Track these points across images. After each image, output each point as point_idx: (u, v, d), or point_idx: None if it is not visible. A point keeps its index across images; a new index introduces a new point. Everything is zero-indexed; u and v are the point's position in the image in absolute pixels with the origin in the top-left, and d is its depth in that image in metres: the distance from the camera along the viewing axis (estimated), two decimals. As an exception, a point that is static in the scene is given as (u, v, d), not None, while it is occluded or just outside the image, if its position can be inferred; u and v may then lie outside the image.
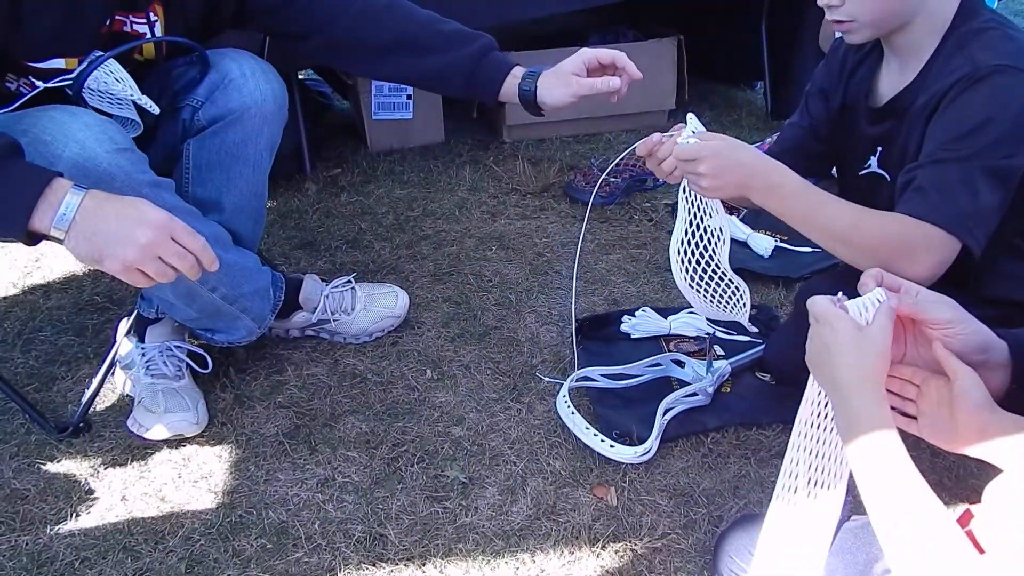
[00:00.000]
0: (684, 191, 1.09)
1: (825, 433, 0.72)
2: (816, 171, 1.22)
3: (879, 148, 1.08)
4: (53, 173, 0.88)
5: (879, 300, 0.72)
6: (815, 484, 0.71)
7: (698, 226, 1.09)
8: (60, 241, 0.89)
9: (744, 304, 1.16)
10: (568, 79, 1.14)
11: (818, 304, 0.74)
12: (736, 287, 1.14)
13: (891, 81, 1.06)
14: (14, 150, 0.89)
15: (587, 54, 1.15)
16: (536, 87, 1.16)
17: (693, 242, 1.09)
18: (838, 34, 1.09)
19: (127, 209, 0.90)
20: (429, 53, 1.20)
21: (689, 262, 1.10)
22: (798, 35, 2.32)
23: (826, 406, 0.73)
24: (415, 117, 2.29)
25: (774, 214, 1.00)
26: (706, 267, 1.10)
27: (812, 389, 0.75)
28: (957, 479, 1.14)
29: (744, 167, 0.99)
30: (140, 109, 1.11)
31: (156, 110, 1.10)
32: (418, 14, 1.24)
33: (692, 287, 1.13)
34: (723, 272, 1.11)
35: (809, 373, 0.76)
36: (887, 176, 1.07)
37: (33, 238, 0.89)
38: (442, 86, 1.27)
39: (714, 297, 1.14)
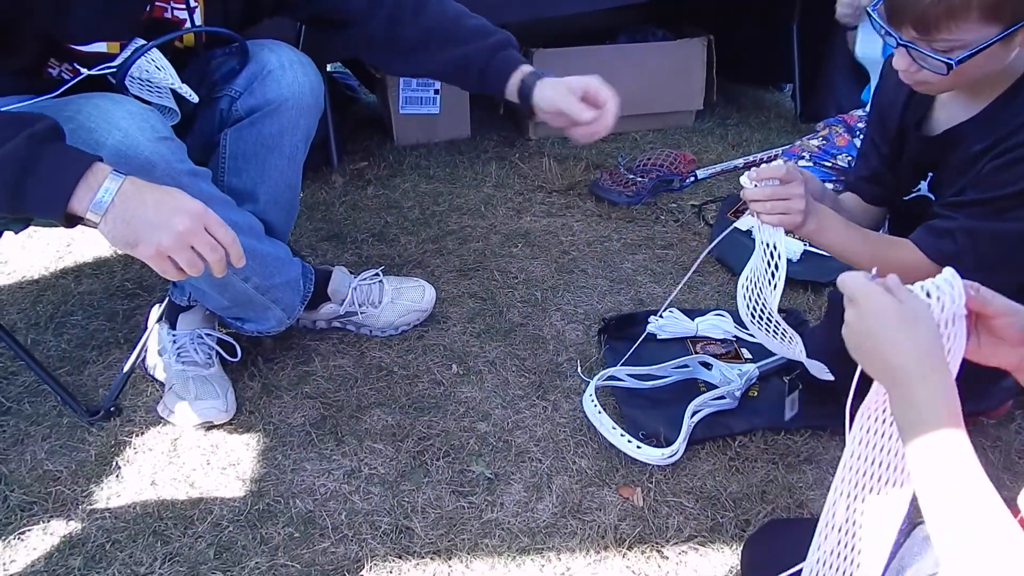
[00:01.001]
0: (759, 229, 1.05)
1: (885, 435, 0.67)
2: (886, 199, 1.19)
3: (930, 174, 1.08)
4: (93, 157, 0.89)
5: (950, 282, 0.65)
6: (874, 490, 0.66)
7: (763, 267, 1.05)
8: (95, 225, 0.90)
9: (796, 346, 1.11)
10: (562, 91, 1.16)
11: (851, 281, 0.66)
12: (784, 330, 1.07)
13: (950, 112, 1.04)
14: (56, 134, 0.90)
15: (591, 82, 1.18)
16: (535, 86, 1.18)
17: (754, 281, 1.06)
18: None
19: (165, 197, 0.91)
20: (454, 46, 1.21)
21: (749, 300, 1.07)
22: (830, 38, 2.29)
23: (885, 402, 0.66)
24: (441, 112, 2.29)
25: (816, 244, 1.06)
26: (762, 309, 1.06)
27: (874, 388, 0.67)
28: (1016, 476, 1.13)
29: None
30: (178, 98, 1.12)
31: (195, 99, 1.11)
32: (449, 8, 1.25)
33: (753, 322, 1.09)
34: (769, 315, 1.06)
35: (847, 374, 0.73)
36: (933, 199, 1.07)
37: (71, 221, 0.91)
38: (459, 79, 1.27)
39: (771, 334, 1.10)
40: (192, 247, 0.90)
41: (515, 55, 1.23)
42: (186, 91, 1.10)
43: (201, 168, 1.09)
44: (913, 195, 1.10)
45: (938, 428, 0.59)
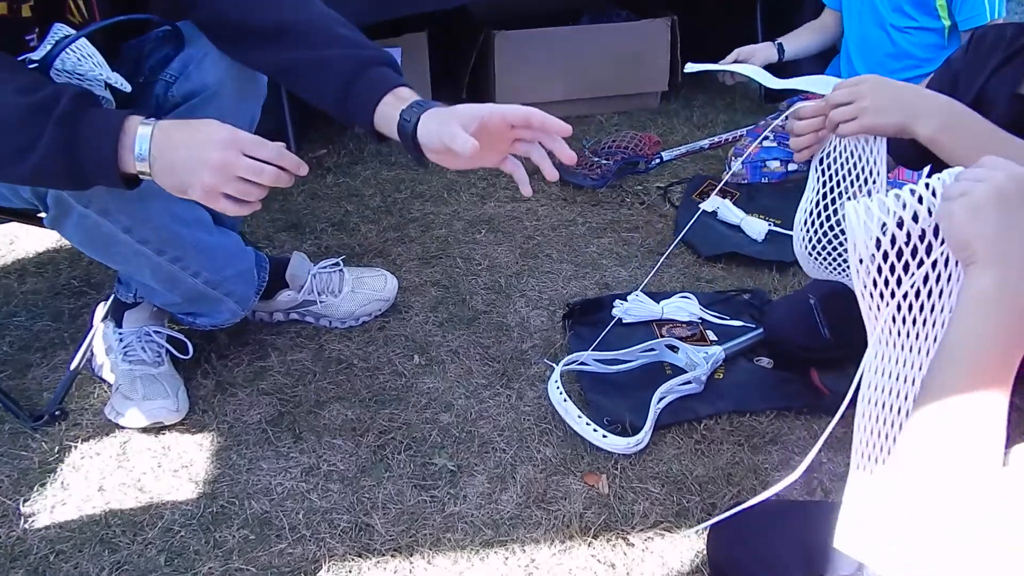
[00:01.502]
0: (820, 161, 1.05)
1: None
2: (917, 161, 1.13)
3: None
4: (123, 114, 0.86)
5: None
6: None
7: (830, 195, 1.05)
8: (151, 177, 0.88)
9: None
10: (450, 122, 0.88)
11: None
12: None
13: None
14: (78, 103, 0.86)
15: (493, 110, 0.91)
16: (418, 121, 0.91)
17: (822, 212, 1.05)
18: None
19: (193, 134, 0.87)
20: (315, 47, 1.01)
21: (816, 231, 1.06)
22: (793, 19, 2.28)
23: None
24: (403, 97, 2.23)
25: (939, 150, 0.91)
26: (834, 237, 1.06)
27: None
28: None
29: (914, 92, 0.95)
30: (112, 86, 1.06)
31: (127, 88, 1.05)
32: (315, 7, 1.06)
33: (812, 256, 1.09)
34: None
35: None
36: None
37: (131, 181, 0.88)
38: (318, 90, 1.03)
39: (835, 265, 1.10)
40: (238, 176, 0.85)
41: (392, 75, 0.99)
42: (117, 80, 1.04)
43: None
44: None
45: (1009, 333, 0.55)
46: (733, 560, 0.93)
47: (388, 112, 0.95)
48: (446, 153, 0.90)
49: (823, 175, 1.06)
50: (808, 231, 1.08)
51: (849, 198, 1.03)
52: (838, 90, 0.98)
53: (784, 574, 0.84)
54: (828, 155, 1.05)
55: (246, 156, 0.86)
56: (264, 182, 0.87)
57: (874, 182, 1.01)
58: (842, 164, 1.03)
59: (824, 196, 1.06)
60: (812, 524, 0.82)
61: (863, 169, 1.00)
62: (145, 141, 0.86)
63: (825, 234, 1.07)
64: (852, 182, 1.02)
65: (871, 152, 0.99)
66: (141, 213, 1.04)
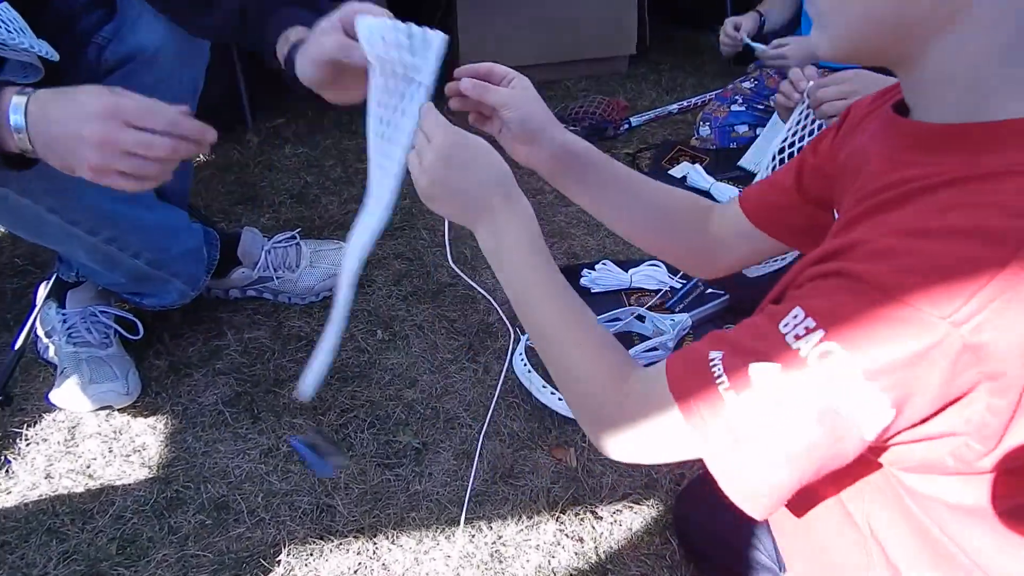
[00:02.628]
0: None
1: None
2: None
3: None
4: None
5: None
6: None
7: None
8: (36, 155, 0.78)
9: None
10: (320, 40, 0.79)
11: (429, 117, 0.70)
12: None
13: None
14: None
15: (346, 10, 0.78)
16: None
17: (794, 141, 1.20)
18: None
19: (68, 105, 0.76)
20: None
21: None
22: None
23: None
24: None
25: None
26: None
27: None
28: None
29: (887, 80, 1.04)
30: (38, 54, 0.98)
31: (55, 56, 0.97)
32: None
33: None
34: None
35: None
36: None
37: (23, 162, 0.79)
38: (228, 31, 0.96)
39: None
40: (126, 151, 0.75)
41: (294, 13, 0.90)
42: (44, 49, 0.96)
43: None
44: None
45: (523, 253, 0.66)
46: (691, 520, 0.94)
47: (284, 48, 0.88)
48: (313, 82, 0.82)
49: (797, 125, 1.18)
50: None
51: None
52: (828, 87, 1.12)
53: (739, 531, 0.86)
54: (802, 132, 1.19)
55: (133, 127, 0.75)
56: (157, 156, 0.76)
57: None
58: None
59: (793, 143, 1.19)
60: None
61: None
62: (19, 113, 0.75)
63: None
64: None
65: None
66: (67, 191, 0.97)
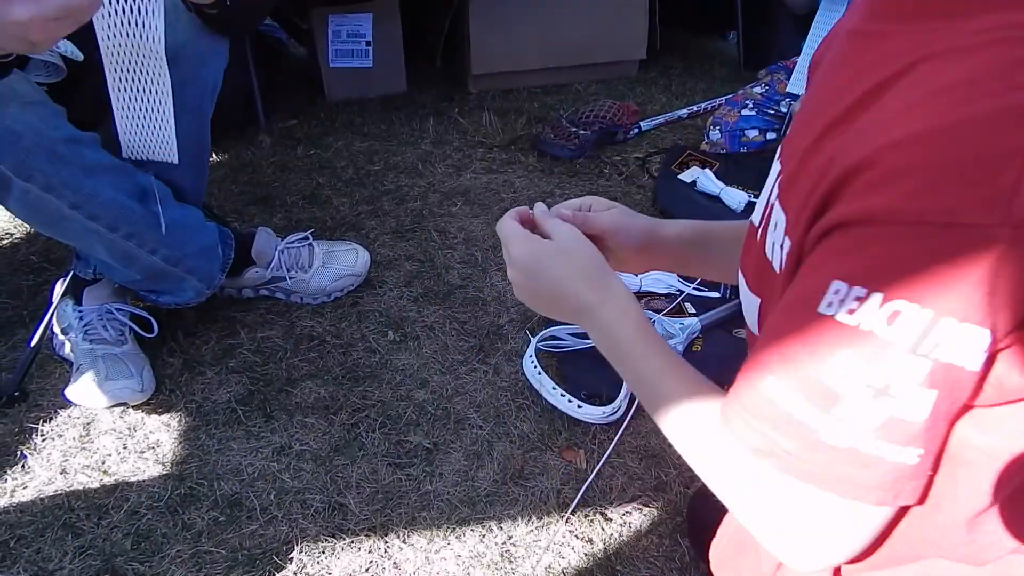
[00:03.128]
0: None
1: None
2: None
3: None
4: None
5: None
6: None
7: None
8: None
9: None
10: None
11: (505, 227, 0.66)
12: None
13: None
14: None
15: None
16: None
17: None
18: None
19: None
20: None
21: None
22: (772, -18, 2.24)
23: None
24: (375, 66, 2.17)
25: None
26: None
27: None
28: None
29: None
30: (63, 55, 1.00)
31: (79, 56, 0.99)
32: None
33: None
34: None
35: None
36: None
37: None
38: None
39: None
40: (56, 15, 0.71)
41: None
42: (69, 49, 0.98)
43: (85, 134, 0.98)
44: None
45: (633, 342, 0.62)
46: (705, 520, 0.94)
47: None
48: None
49: None
50: None
51: None
52: None
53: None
54: None
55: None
56: (67, 24, 0.73)
57: None
58: None
59: None
60: None
61: None
62: None
63: None
64: None
65: None
66: (87, 187, 0.98)
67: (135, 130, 1.00)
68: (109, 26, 0.88)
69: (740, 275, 0.63)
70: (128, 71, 0.94)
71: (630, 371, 0.63)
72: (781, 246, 0.51)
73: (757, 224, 0.59)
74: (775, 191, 0.55)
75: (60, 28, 0.74)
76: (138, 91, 0.96)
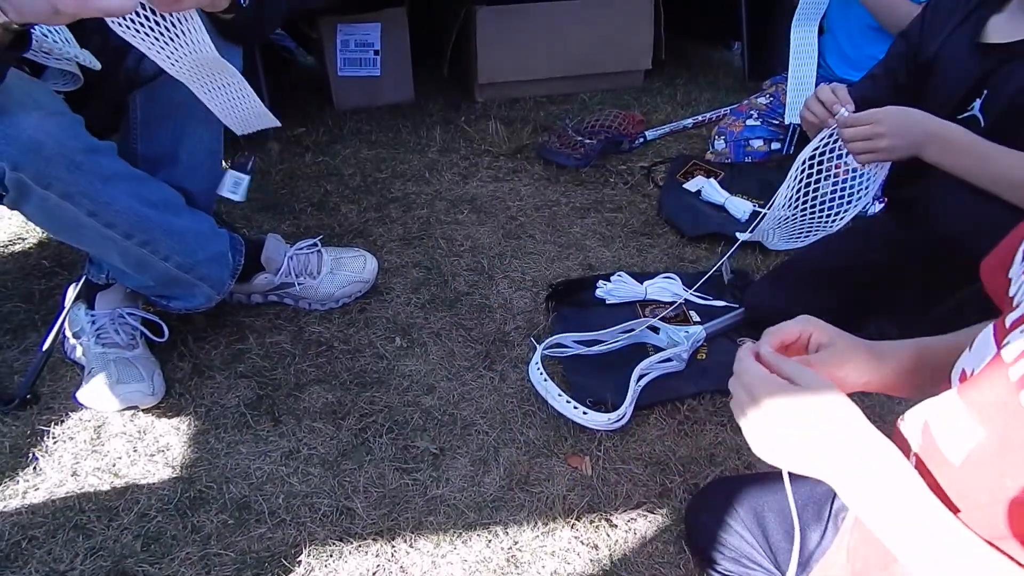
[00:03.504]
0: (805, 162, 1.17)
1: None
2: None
3: (985, 91, 1.08)
4: None
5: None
6: None
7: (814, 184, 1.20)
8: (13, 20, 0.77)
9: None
10: None
11: (750, 368, 0.62)
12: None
13: (1014, 25, 1.08)
14: None
15: None
16: None
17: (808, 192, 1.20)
18: None
19: None
20: None
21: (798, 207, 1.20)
22: (777, -6, 2.26)
23: None
24: (383, 74, 2.19)
25: (946, 168, 1.06)
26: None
27: None
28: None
29: (920, 125, 1.06)
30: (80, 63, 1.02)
31: (96, 65, 1.01)
32: None
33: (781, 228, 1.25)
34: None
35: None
36: (983, 121, 1.08)
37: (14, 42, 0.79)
38: None
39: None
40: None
41: None
42: (87, 59, 1.00)
43: (102, 143, 1.00)
44: (965, 115, 1.11)
45: (912, 509, 0.54)
46: (701, 525, 0.95)
47: None
48: None
49: (815, 165, 1.17)
50: (793, 206, 1.19)
51: (838, 190, 1.20)
52: (856, 125, 1.10)
53: (740, 536, 0.88)
54: (826, 151, 1.16)
55: None
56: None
57: (865, 188, 1.17)
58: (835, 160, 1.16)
59: (807, 185, 1.19)
60: (764, 493, 0.89)
61: (855, 171, 1.16)
62: None
63: (805, 211, 1.19)
64: (843, 179, 1.17)
65: (875, 167, 1.17)
66: (104, 196, 1.00)
67: (236, 115, 1.11)
68: (170, 53, 0.94)
69: (958, 398, 0.56)
70: (206, 78, 1.02)
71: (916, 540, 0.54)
72: None
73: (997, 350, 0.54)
74: None
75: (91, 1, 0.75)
76: (221, 89, 1.04)
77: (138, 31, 0.91)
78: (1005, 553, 0.50)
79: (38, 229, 1.60)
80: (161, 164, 1.16)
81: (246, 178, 1.26)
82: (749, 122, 1.94)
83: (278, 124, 1.16)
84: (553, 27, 2.22)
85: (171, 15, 0.90)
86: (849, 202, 1.18)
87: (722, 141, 1.95)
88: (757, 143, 1.94)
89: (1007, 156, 1.02)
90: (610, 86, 2.38)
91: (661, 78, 2.46)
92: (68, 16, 0.78)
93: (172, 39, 0.93)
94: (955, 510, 0.53)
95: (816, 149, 1.15)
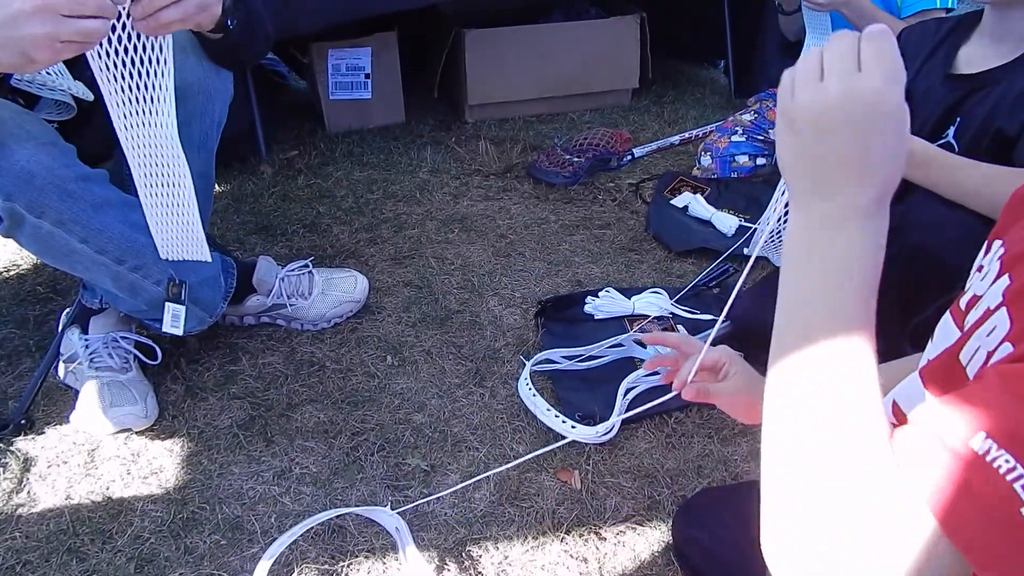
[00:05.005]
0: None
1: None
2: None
3: (958, 119, 1.13)
4: None
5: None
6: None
7: None
8: None
9: None
10: None
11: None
12: None
13: (982, 55, 1.13)
14: None
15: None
16: None
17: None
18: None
19: None
20: None
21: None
22: (761, 14, 2.31)
23: None
24: (374, 97, 2.23)
25: (913, 180, 1.08)
26: None
27: None
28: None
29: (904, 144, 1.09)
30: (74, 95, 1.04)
31: (89, 97, 1.04)
32: None
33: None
34: None
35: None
36: (956, 147, 1.13)
37: None
38: None
39: None
40: (67, 38, 0.77)
41: None
42: (80, 91, 1.03)
43: (94, 171, 1.03)
44: (941, 142, 1.15)
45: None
46: (691, 540, 0.96)
47: None
48: None
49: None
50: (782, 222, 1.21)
51: None
52: None
53: (731, 547, 0.89)
54: None
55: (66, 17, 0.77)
56: (93, 34, 0.79)
57: None
58: None
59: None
60: (750, 500, 0.87)
61: None
62: None
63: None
64: None
65: None
66: (96, 223, 1.02)
67: (168, 230, 1.05)
68: (125, 115, 0.92)
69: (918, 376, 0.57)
70: (151, 166, 0.98)
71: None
72: (991, 352, 0.47)
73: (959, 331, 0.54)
74: (998, 299, 0.49)
75: (65, 51, 0.79)
76: (164, 194, 0.99)
77: (110, 73, 0.89)
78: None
79: (31, 255, 1.62)
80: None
81: (182, 309, 1.18)
82: (735, 138, 1.98)
83: (208, 260, 1.07)
84: (541, 48, 2.26)
85: (148, 59, 0.90)
86: None
87: (708, 157, 1.99)
88: (743, 159, 1.97)
89: (965, 166, 1.06)
90: (598, 105, 2.42)
91: (648, 96, 2.50)
92: (43, 63, 0.80)
93: (136, 100, 0.90)
94: None
95: None
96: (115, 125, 0.93)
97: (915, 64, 1.22)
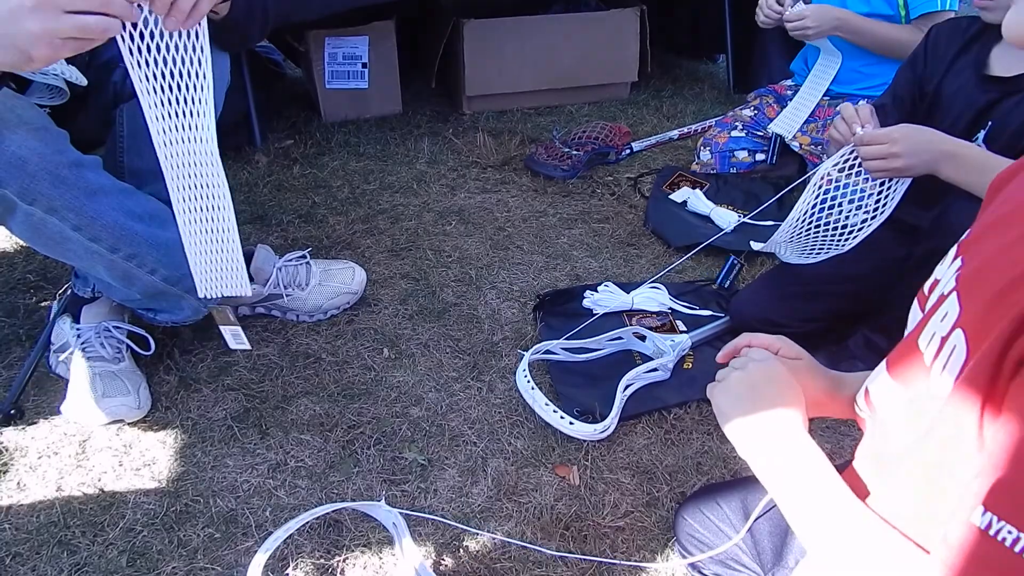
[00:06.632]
0: (822, 181, 1.15)
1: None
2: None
3: (989, 123, 1.11)
4: None
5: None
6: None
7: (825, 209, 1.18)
8: None
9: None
10: None
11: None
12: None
13: (1017, 57, 1.11)
14: None
15: None
16: None
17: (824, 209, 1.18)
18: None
19: None
20: None
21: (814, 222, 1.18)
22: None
23: None
24: (371, 87, 2.20)
25: (962, 186, 1.06)
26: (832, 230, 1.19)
27: None
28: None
29: (935, 144, 1.06)
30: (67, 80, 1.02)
31: (83, 82, 1.02)
32: None
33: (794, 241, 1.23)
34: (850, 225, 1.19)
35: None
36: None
37: None
38: None
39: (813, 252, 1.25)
40: (65, 10, 0.73)
41: None
42: (74, 75, 1.00)
43: (87, 157, 1.00)
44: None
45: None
46: (689, 528, 0.96)
47: None
48: None
49: (833, 180, 1.17)
50: (806, 222, 1.18)
51: (853, 208, 1.19)
52: (873, 143, 1.10)
53: (726, 537, 0.90)
54: (845, 167, 1.14)
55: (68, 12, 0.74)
56: (95, 35, 0.76)
57: (884, 205, 1.15)
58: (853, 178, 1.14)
59: (823, 200, 1.17)
60: (750, 494, 0.90)
61: (873, 187, 1.15)
62: None
63: (820, 227, 1.18)
64: (862, 195, 1.16)
65: (894, 182, 1.15)
66: (90, 210, 1.00)
67: (208, 266, 1.01)
68: (164, 130, 0.89)
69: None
70: (191, 188, 0.94)
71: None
72: (944, 338, 0.51)
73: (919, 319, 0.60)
74: (951, 283, 0.54)
75: (65, 48, 0.76)
76: (205, 219, 0.96)
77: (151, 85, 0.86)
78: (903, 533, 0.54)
79: (22, 243, 1.59)
80: (148, 177, 1.15)
81: (238, 328, 1.20)
82: (734, 133, 1.97)
83: (249, 295, 1.06)
84: (540, 40, 2.24)
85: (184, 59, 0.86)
86: (864, 221, 1.17)
87: (707, 152, 1.98)
88: (742, 154, 1.96)
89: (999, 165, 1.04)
90: (597, 98, 2.40)
91: (647, 90, 2.48)
92: (42, 61, 0.77)
93: (179, 114, 0.87)
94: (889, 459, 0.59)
95: (836, 165, 1.14)
96: (155, 142, 0.91)
97: (944, 62, 1.20)
